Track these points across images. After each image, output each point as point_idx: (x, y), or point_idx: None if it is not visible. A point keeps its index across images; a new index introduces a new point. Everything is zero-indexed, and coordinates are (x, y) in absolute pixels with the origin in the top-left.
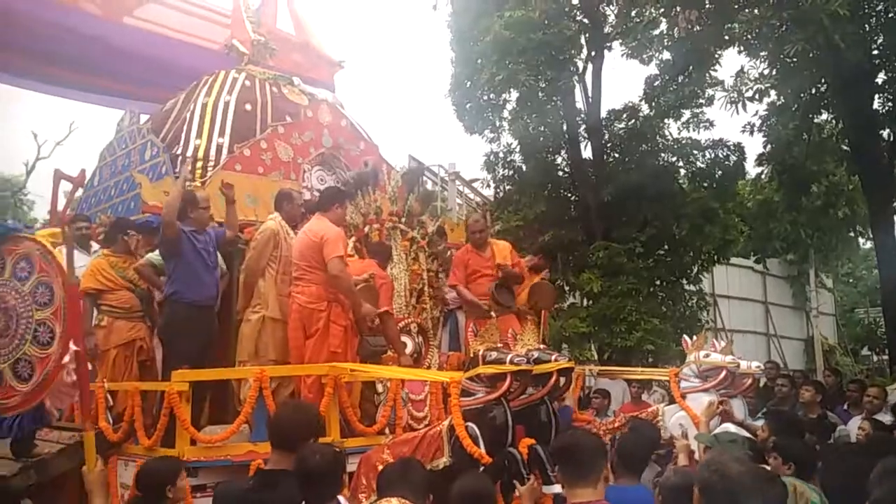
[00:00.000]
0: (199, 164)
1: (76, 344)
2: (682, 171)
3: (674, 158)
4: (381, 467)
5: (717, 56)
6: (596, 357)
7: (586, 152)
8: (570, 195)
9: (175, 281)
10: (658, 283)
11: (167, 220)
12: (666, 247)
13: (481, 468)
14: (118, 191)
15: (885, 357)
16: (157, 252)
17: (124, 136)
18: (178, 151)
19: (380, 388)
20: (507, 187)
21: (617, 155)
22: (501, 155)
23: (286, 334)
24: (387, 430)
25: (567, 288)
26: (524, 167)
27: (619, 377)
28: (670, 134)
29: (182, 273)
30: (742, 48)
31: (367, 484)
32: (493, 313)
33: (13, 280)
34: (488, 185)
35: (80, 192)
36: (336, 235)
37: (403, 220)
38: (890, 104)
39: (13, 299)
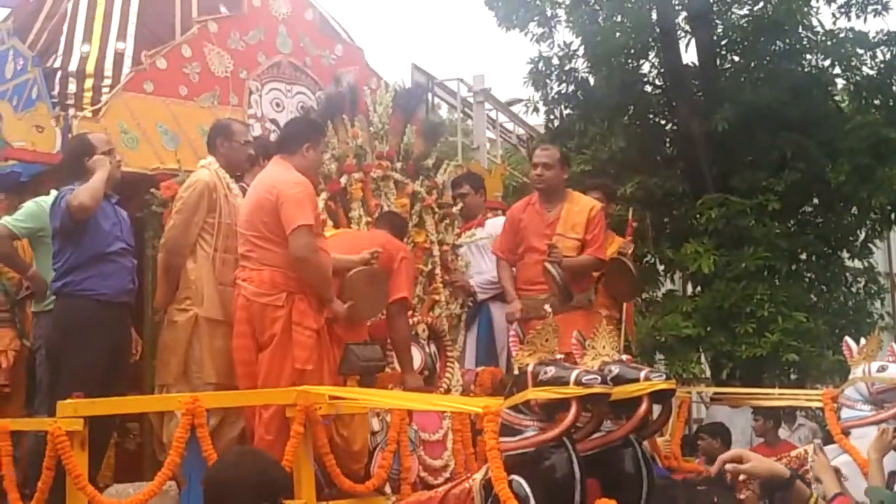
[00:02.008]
0: (90, 82)
1: None
2: (841, 83)
3: (827, 62)
4: None
5: None
6: (708, 373)
7: (689, 55)
8: (663, 122)
9: (69, 265)
10: (804, 257)
11: (83, 209)
12: (816, 201)
13: None
14: None
15: None
16: (19, 213)
17: None
18: (57, 64)
19: (375, 423)
20: (566, 112)
21: (737, 58)
22: (556, 62)
23: (230, 343)
24: (388, 489)
25: (662, 267)
26: (591, 80)
27: (743, 404)
28: (821, 24)
29: (81, 253)
30: None
31: None
32: (547, 307)
33: None
34: (535, 110)
35: None
36: (300, 191)
37: (399, 165)
38: None
39: None
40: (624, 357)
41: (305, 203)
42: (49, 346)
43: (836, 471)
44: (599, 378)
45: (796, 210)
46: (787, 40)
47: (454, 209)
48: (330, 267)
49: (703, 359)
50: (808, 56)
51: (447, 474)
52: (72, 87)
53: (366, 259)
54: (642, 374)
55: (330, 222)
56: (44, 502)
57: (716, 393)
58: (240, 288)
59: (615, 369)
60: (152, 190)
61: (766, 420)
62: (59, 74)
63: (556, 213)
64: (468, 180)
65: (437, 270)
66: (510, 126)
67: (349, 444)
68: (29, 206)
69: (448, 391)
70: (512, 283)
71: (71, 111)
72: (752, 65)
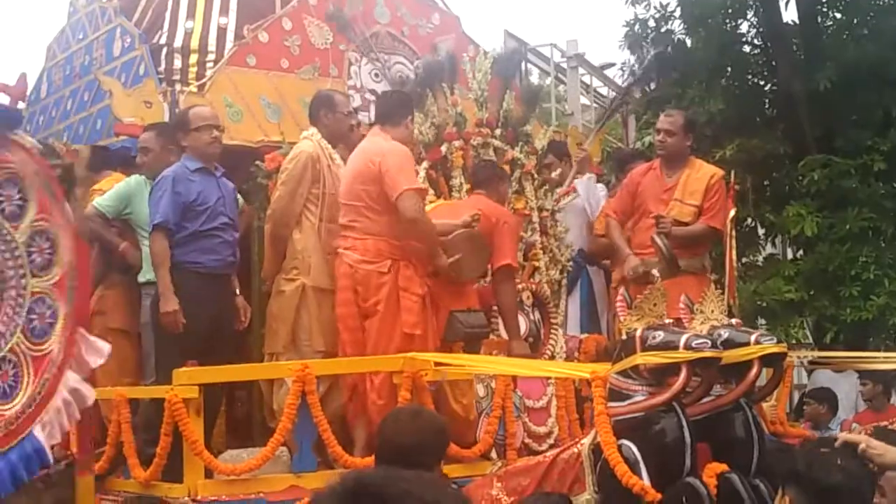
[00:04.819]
0: (194, 57)
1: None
2: None
3: None
4: None
5: None
6: (811, 338)
7: (789, 13)
8: (763, 83)
9: (174, 240)
10: None
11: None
12: None
13: None
14: (77, 103)
15: None
16: (107, 194)
17: (81, 22)
18: (162, 40)
19: (481, 390)
20: (662, 75)
21: (839, 15)
22: (651, 24)
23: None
24: (493, 454)
25: (763, 231)
26: (688, 41)
27: (849, 367)
28: None
29: (186, 229)
30: None
31: None
32: (655, 272)
33: None
34: (631, 74)
35: (20, 106)
36: (401, 158)
37: (498, 132)
38: None
39: None
40: (733, 321)
41: (409, 168)
42: (155, 317)
43: None
44: (709, 342)
45: None
46: None
47: (553, 174)
48: (435, 228)
49: (805, 324)
50: None
51: (551, 441)
52: (177, 63)
53: (467, 222)
54: (753, 338)
55: (431, 191)
56: (162, 467)
57: (819, 357)
58: (342, 256)
59: (725, 333)
60: (257, 162)
61: (874, 385)
62: (164, 51)
63: (676, 178)
64: (552, 149)
65: (537, 237)
66: (604, 91)
67: (468, 412)
68: (118, 185)
69: (552, 358)
70: (624, 241)
71: (177, 86)
72: (855, 21)
